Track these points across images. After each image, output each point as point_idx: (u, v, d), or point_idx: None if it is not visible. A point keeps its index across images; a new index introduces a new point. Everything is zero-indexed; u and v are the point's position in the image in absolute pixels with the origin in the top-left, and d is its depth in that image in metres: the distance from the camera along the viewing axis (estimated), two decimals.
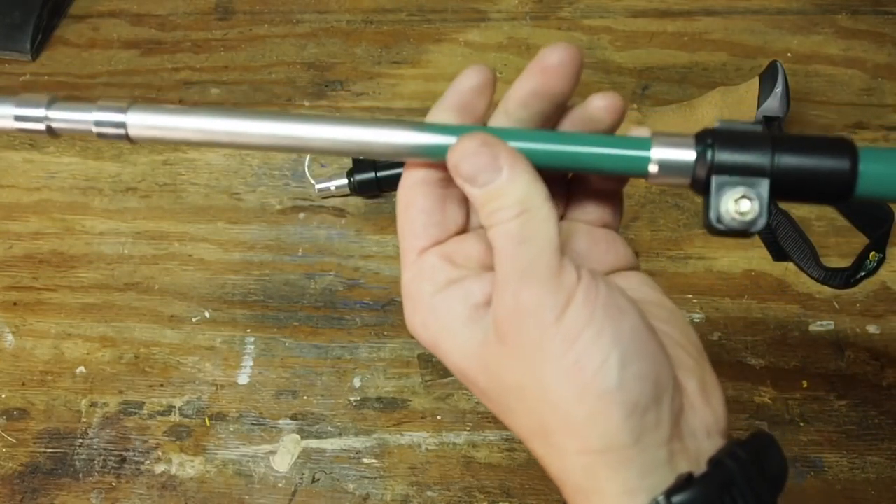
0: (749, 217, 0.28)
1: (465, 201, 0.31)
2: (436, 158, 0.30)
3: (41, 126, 0.31)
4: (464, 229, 0.32)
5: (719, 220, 0.28)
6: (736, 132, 0.29)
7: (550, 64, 0.29)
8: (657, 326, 0.29)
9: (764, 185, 0.28)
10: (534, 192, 0.28)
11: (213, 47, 0.73)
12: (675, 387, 0.28)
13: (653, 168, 0.29)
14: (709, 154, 0.28)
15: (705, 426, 0.29)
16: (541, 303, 0.27)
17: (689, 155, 0.28)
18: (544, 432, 0.28)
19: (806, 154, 0.28)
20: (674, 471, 0.27)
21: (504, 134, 0.29)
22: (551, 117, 0.31)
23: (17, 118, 0.31)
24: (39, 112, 0.31)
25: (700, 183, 0.29)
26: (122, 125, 0.31)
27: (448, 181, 0.30)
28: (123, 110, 0.31)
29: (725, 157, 0.28)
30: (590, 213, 0.33)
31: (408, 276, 0.31)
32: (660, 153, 0.29)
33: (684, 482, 0.26)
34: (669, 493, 0.26)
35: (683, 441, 0.28)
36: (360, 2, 0.75)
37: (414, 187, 0.31)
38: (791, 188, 0.28)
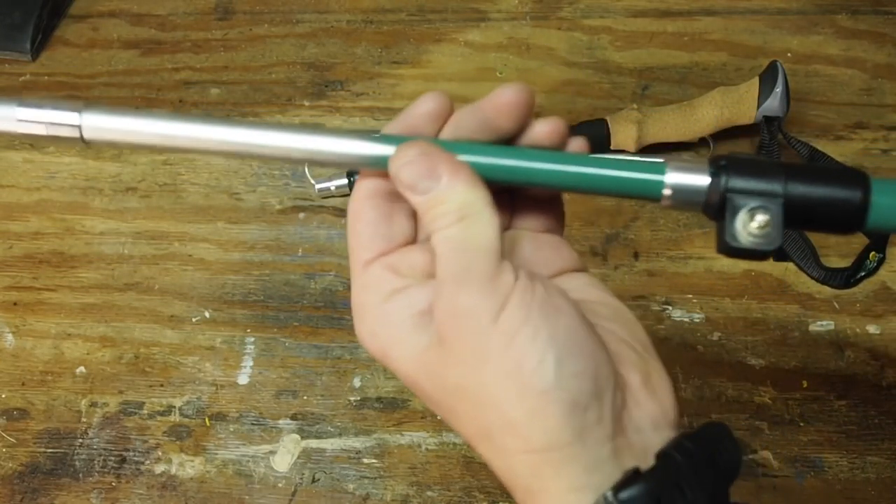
0: (765, 231, 0.28)
1: (413, 214, 0.32)
2: (383, 168, 0.30)
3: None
4: (411, 241, 0.32)
5: (735, 237, 0.28)
6: (749, 160, 0.29)
7: (503, 102, 0.30)
8: (600, 324, 0.30)
9: (778, 205, 0.28)
10: (474, 199, 0.29)
11: (213, 47, 0.73)
12: (616, 383, 0.28)
13: (666, 192, 0.29)
14: (723, 178, 0.28)
15: (651, 420, 0.29)
16: (476, 305, 0.27)
17: (702, 180, 0.29)
18: (488, 434, 0.28)
19: (818, 183, 0.28)
20: (620, 467, 0.27)
21: (512, 154, 0.30)
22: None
23: None
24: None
25: (713, 207, 0.29)
26: (77, 127, 0.31)
27: (397, 194, 0.31)
28: (79, 111, 0.30)
29: (739, 182, 0.28)
30: (534, 221, 0.34)
31: (355, 288, 0.31)
32: (674, 178, 0.29)
33: (631, 477, 0.27)
34: (617, 489, 0.26)
35: (628, 436, 0.28)
36: (360, 2, 0.75)
37: (362, 200, 0.31)
38: (802, 216, 0.28)
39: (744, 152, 0.30)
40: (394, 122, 0.32)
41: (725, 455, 0.29)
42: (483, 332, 0.27)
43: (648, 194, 0.30)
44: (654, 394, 0.29)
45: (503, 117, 0.31)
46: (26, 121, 0.31)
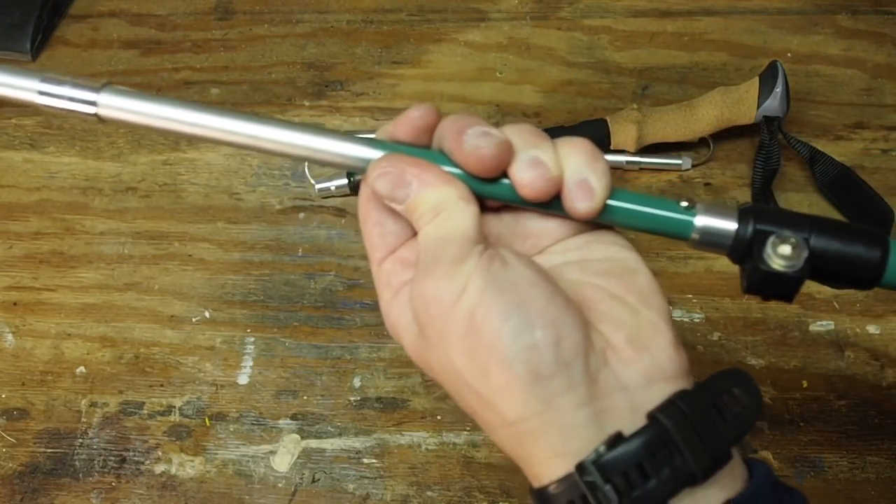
0: (794, 257, 0.29)
1: None
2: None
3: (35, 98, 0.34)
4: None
5: (766, 262, 0.29)
6: (776, 210, 0.31)
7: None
8: (589, 282, 0.31)
9: (804, 247, 0.29)
10: (445, 195, 0.30)
11: (213, 47, 0.73)
12: (589, 345, 0.28)
13: (695, 235, 0.31)
14: (750, 224, 0.30)
15: (643, 376, 0.29)
16: (440, 290, 0.29)
17: (730, 224, 0.30)
18: (474, 412, 0.30)
19: (841, 239, 0.30)
20: (602, 430, 0.27)
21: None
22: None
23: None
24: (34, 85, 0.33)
25: (738, 250, 0.30)
26: (94, 104, 0.33)
27: None
28: (97, 90, 0.33)
29: (766, 229, 0.30)
30: None
31: (376, 285, 0.33)
32: (704, 220, 0.31)
33: (611, 441, 0.27)
34: (598, 456, 0.27)
35: (611, 397, 0.28)
36: (360, 2, 0.75)
37: (367, 202, 0.33)
38: (822, 268, 0.30)
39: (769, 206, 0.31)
40: (383, 129, 0.33)
41: (734, 405, 0.28)
42: (447, 316, 0.28)
43: (677, 233, 0.31)
44: (646, 349, 0.29)
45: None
46: (47, 94, 0.33)
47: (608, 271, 0.31)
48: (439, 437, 0.53)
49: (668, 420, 0.27)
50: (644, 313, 0.30)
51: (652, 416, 0.27)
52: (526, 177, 0.30)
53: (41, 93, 0.33)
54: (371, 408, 0.55)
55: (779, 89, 0.60)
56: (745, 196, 0.62)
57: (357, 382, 0.56)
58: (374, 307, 0.59)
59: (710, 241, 0.31)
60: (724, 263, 0.59)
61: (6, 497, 0.53)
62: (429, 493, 0.52)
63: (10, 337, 0.59)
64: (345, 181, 0.63)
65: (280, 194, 0.64)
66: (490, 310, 0.28)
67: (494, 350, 0.28)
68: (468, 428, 0.54)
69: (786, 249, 0.29)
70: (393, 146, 0.32)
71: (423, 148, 0.33)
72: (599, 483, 0.26)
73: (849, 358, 0.55)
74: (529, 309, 0.28)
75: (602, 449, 0.27)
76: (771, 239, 0.29)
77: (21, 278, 0.61)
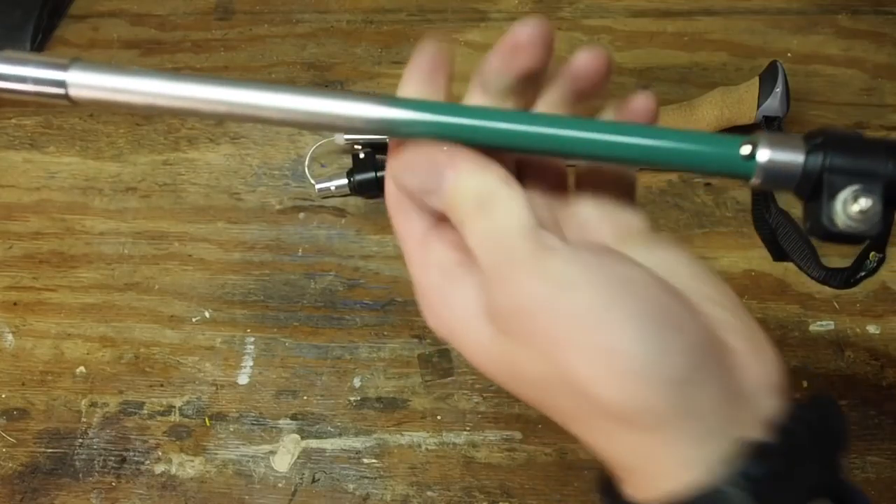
0: (867, 216, 0.26)
1: None
2: (396, 135, 0.28)
3: None
4: None
5: (833, 221, 0.26)
6: (848, 135, 0.27)
7: (520, 42, 0.29)
8: (687, 285, 0.27)
9: (878, 189, 0.26)
10: (487, 181, 0.27)
11: (213, 47, 0.73)
12: (717, 350, 0.26)
13: (759, 170, 0.27)
14: (820, 157, 0.26)
15: (761, 385, 0.26)
16: (533, 291, 0.25)
17: (797, 157, 0.27)
18: (583, 418, 0.26)
19: None
20: (728, 437, 0.25)
21: (572, 124, 0.28)
22: (526, 91, 0.30)
23: None
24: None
25: (806, 187, 0.27)
26: (63, 84, 0.28)
27: None
28: (64, 67, 0.28)
29: (838, 160, 0.26)
30: (592, 181, 0.30)
31: (415, 266, 0.29)
32: (766, 154, 0.27)
33: (752, 452, 0.24)
34: (742, 467, 0.24)
35: (737, 404, 0.26)
36: (360, 2, 0.75)
37: (395, 196, 0.29)
38: None
39: (840, 127, 0.28)
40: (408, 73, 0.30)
41: (836, 426, 0.26)
42: (551, 320, 0.25)
43: (738, 172, 0.27)
44: (762, 357, 0.27)
45: (525, 59, 0.29)
46: (8, 76, 0.28)
47: (696, 276, 0.28)
48: (439, 437, 0.53)
49: (805, 431, 0.25)
50: (749, 321, 0.28)
51: (786, 429, 0.25)
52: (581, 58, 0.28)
53: None
54: (371, 408, 0.55)
55: (779, 89, 0.60)
56: (745, 196, 0.62)
57: (357, 382, 0.56)
58: (375, 307, 0.59)
59: (774, 177, 0.27)
60: (724, 263, 0.59)
61: (6, 497, 0.53)
62: (429, 493, 0.52)
63: (10, 337, 0.59)
64: (345, 181, 0.63)
65: (280, 194, 0.64)
66: (610, 311, 0.25)
67: (625, 356, 0.24)
68: (468, 428, 0.54)
69: (859, 206, 0.25)
70: (419, 103, 0.28)
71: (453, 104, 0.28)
72: (736, 495, 0.24)
73: (849, 358, 0.55)
74: (656, 308, 0.25)
75: (741, 460, 0.25)
76: (841, 196, 0.26)
77: (21, 278, 0.61)
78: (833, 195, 0.26)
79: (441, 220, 0.29)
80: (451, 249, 0.28)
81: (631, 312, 0.25)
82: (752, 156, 0.27)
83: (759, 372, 0.26)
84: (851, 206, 0.26)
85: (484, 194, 0.27)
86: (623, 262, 0.26)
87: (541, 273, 0.25)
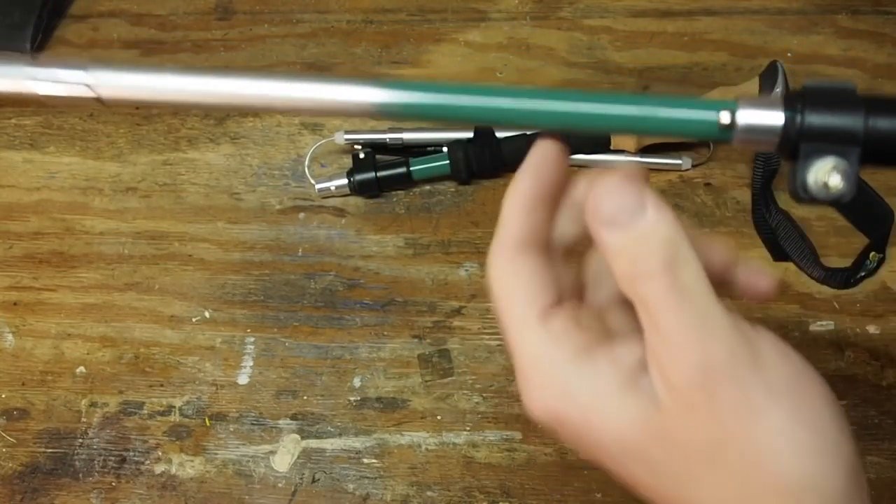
0: (837, 190, 0.26)
1: (569, 264, 0.29)
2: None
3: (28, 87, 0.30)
4: (576, 294, 0.29)
5: (805, 189, 0.26)
6: (827, 92, 0.27)
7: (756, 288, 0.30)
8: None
9: (854, 154, 0.26)
10: (678, 235, 0.25)
11: (213, 47, 0.73)
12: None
13: (738, 135, 0.27)
14: (797, 117, 0.26)
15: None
16: (734, 355, 0.25)
17: (776, 119, 0.27)
18: (744, 496, 0.25)
19: None
20: None
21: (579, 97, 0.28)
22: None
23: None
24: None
25: (787, 149, 0.27)
26: (88, 86, 0.29)
27: (543, 244, 0.28)
28: (84, 68, 0.29)
29: (815, 120, 0.26)
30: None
31: (526, 347, 0.27)
32: (744, 119, 0.27)
33: None
34: None
35: None
36: (360, 2, 0.75)
37: (513, 251, 0.28)
38: (884, 154, 0.27)
39: (823, 81, 0.28)
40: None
41: None
42: (745, 387, 0.24)
43: (718, 137, 0.27)
44: None
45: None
46: (42, 80, 0.29)
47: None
48: (439, 437, 0.53)
49: None
50: None
51: None
52: None
53: (35, 79, 0.29)
54: (371, 408, 0.55)
55: (779, 89, 0.60)
56: (745, 196, 0.62)
57: (357, 382, 0.56)
58: (375, 307, 0.59)
59: (755, 136, 0.27)
60: None
61: (6, 497, 0.53)
62: (429, 493, 0.52)
63: (10, 337, 0.59)
64: (345, 181, 0.63)
65: (280, 194, 0.64)
66: (810, 386, 0.25)
67: (822, 432, 0.25)
68: (468, 428, 0.54)
69: (831, 181, 0.26)
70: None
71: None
72: None
73: (849, 358, 0.55)
74: (828, 390, 0.26)
75: None
76: (814, 168, 0.26)
77: (21, 278, 0.61)
78: (807, 166, 0.26)
79: (558, 302, 0.27)
80: (575, 326, 0.27)
81: (822, 392, 0.25)
82: (730, 125, 0.27)
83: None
84: (825, 179, 0.26)
85: (675, 245, 0.25)
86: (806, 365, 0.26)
87: (741, 338, 0.25)
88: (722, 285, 0.29)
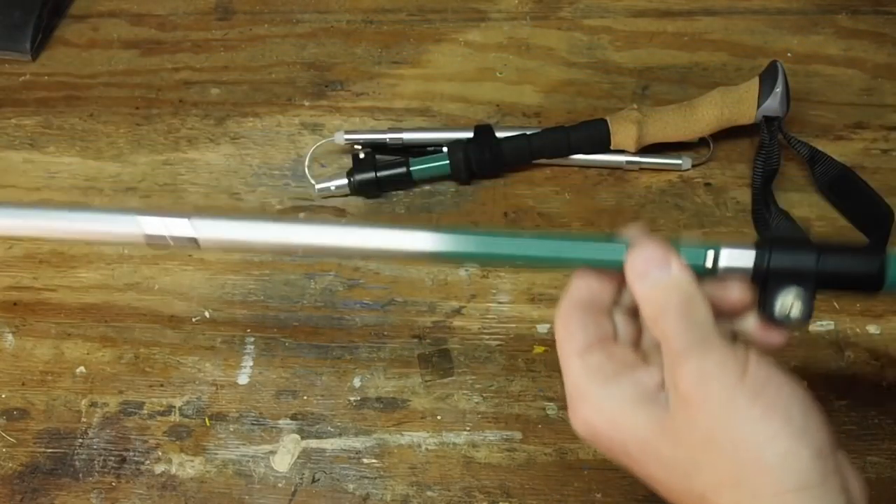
0: (797, 316, 0.35)
1: (609, 315, 0.38)
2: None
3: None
4: (611, 338, 0.37)
5: (773, 315, 0.35)
6: (788, 242, 0.36)
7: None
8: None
9: (810, 284, 0.35)
10: (694, 284, 0.34)
11: (213, 47, 0.73)
12: (835, 444, 0.32)
13: (719, 273, 0.36)
14: (766, 258, 0.35)
15: (861, 496, 0.32)
16: (724, 365, 0.32)
17: (748, 262, 0.36)
18: (736, 479, 0.31)
19: (845, 258, 0.35)
20: None
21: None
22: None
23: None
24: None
25: (757, 281, 0.36)
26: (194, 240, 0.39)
27: (591, 306, 0.37)
28: (188, 217, 0.39)
29: (780, 259, 0.35)
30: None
31: (573, 375, 0.35)
32: (725, 262, 0.36)
33: None
34: None
35: (851, 495, 0.31)
36: (360, 2, 0.75)
37: (573, 305, 0.37)
38: (831, 283, 0.35)
39: (787, 232, 0.42)
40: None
41: None
42: (732, 389, 0.31)
43: (703, 274, 0.36)
44: (857, 475, 0.33)
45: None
46: (154, 234, 0.40)
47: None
48: (439, 437, 0.53)
49: None
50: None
51: None
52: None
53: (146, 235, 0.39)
54: (371, 408, 0.55)
55: (779, 89, 0.60)
56: (745, 196, 0.62)
57: (357, 382, 0.56)
58: (375, 307, 0.59)
59: (733, 273, 0.36)
60: None
61: (6, 497, 0.53)
62: (429, 493, 0.52)
63: (10, 337, 0.59)
64: (345, 181, 0.63)
65: (280, 194, 0.64)
66: (780, 388, 0.32)
67: (789, 421, 0.31)
68: (468, 428, 0.54)
69: (794, 309, 0.35)
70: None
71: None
72: None
73: (849, 358, 0.55)
74: (805, 394, 0.32)
75: None
76: (780, 300, 0.35)
77: (21, 278, 0.61)
78: (773, 297, 0.35)
79: (596, 343, 0.36)
80: (607, 359, 0.35)
81: (792, 391, 0.32)
82: (714, 268, 0.36)
83: (858, 487, 0.32)
84: (787, 309, 0.35)
85: (689, 290, 0.34)
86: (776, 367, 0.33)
87: (732, 353, 0.32)
88: (736, 317, 0.37)
